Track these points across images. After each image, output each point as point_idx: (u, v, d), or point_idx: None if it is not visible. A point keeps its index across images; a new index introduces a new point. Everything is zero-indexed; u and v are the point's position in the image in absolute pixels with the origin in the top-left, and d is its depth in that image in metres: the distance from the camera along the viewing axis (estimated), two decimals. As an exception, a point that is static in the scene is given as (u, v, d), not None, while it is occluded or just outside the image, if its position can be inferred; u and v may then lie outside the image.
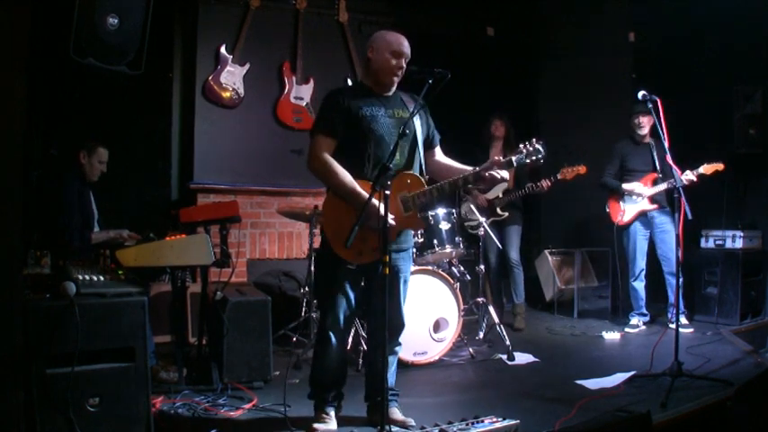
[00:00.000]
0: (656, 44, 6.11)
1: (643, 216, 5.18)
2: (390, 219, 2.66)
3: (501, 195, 5.31)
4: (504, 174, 2.86)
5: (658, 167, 5.04)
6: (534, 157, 2.83)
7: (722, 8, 5.33)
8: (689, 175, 4.68)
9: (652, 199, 5.10)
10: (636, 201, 5.17)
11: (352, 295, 2.93)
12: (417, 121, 2.94)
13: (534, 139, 2.85)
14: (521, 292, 5.41)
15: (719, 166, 4.73)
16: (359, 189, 2.78)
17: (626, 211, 5.22)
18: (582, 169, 5.00)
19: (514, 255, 5.36)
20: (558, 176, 5.02)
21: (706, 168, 4.72)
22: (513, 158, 2.83)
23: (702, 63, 5.66)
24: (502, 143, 5.37)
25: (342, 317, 2.92)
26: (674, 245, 4.95)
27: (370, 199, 2.60)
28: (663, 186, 4.98)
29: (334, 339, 2.94)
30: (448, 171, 3.01)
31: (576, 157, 5.12)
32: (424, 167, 3.00)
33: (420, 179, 2.91)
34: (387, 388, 2.72)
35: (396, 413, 3.01)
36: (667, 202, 5.08)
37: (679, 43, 5.86)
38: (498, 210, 5.31)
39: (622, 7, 6.37)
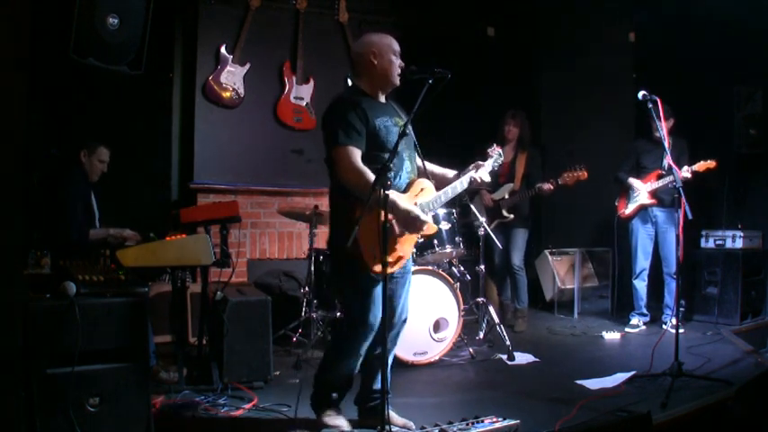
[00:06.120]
0: (656, 44, 6.10)
1: (643, 211, 5.17)
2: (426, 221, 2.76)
3: (507, 196, 5.22)
4: (486, 177, 3.06)
5: (665, 165, 5.01)
6: (497, 163, 3.16)
7: (722, 8, 5.32)
8: (685, 173, 4.70)
9: (652, 194, 5.09)
10: (635, 198, 5.17)
11: None
12: (410, 127, 2.93)
13: (495, 145, 3.18)
14: (524, 298, 5.34)
15: (711, 164, 4.75)
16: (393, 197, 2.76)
17: (628, 206, 5.25)
18: (583, 175, 4.93)
19: (517, 260, 5.26)
20: (560, 182, 4.96)
21: (699, 166, 4.74)
22: (489, 163, 3.11)
23: (702, 63, 5.65)
24: (514, 144, 5.26)
25: None
26: (673, 245, 4.99)
27: (386, 204, 2.56)
28: (660, 183, 4.97)
29: (362, 354, 2.94)
30: (432, 174, 3.06)
31: (577, 158, 5.09)
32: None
33: (431, 185, 2.95)
34: (387, 389, 2.71)
35: (394, 417, 2.97)
36: (670, 201, 5.07)
37: (679, 43, 5.85)
38: (504, 212, 5.22)
39: (622, 7, 6.36)
